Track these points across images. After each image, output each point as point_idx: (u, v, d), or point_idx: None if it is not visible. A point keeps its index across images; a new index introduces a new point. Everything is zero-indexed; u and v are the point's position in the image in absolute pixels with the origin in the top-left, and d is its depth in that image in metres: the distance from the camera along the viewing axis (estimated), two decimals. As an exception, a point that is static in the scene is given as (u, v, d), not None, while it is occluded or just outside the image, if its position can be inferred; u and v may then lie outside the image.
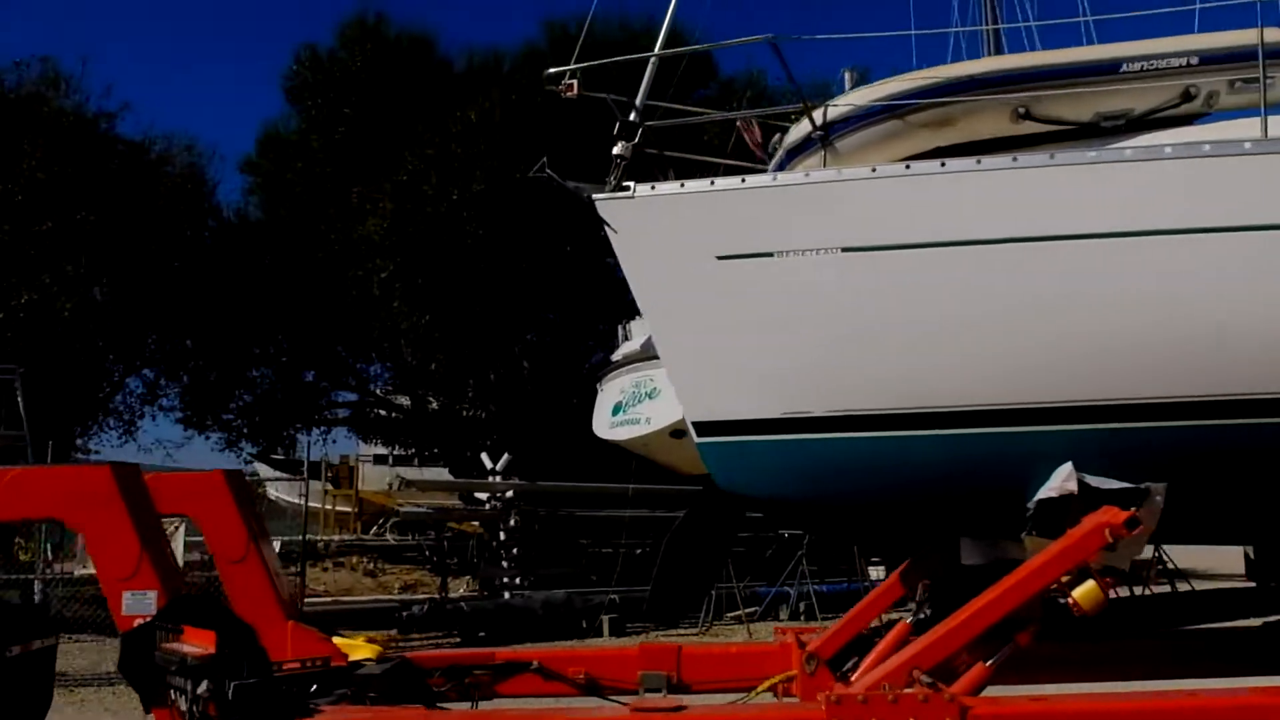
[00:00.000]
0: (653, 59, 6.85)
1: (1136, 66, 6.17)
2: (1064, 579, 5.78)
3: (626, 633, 19.37)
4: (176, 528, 13.81)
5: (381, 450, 35.11)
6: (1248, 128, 5.89)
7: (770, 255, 6.27)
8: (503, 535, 21.96)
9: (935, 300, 6.03)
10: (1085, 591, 5.70)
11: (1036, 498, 5.96)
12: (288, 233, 28.05)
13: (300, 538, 20.69)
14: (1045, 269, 5.86)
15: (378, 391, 33.65)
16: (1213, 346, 5.68)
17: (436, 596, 20.22)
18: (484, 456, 23.43)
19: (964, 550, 6.81)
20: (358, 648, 7.32)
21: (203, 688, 5.36)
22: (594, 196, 6.61)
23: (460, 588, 22.61)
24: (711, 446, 6.53)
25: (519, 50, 29.83)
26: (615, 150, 6.68)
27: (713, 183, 6.44)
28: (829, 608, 19.44)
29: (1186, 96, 6.29)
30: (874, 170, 6.10)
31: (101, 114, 26.68)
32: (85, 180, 24.32)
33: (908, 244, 6.02)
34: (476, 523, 24.09)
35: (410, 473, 29.14)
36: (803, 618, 19.98)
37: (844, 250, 6.13)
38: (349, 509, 32.23)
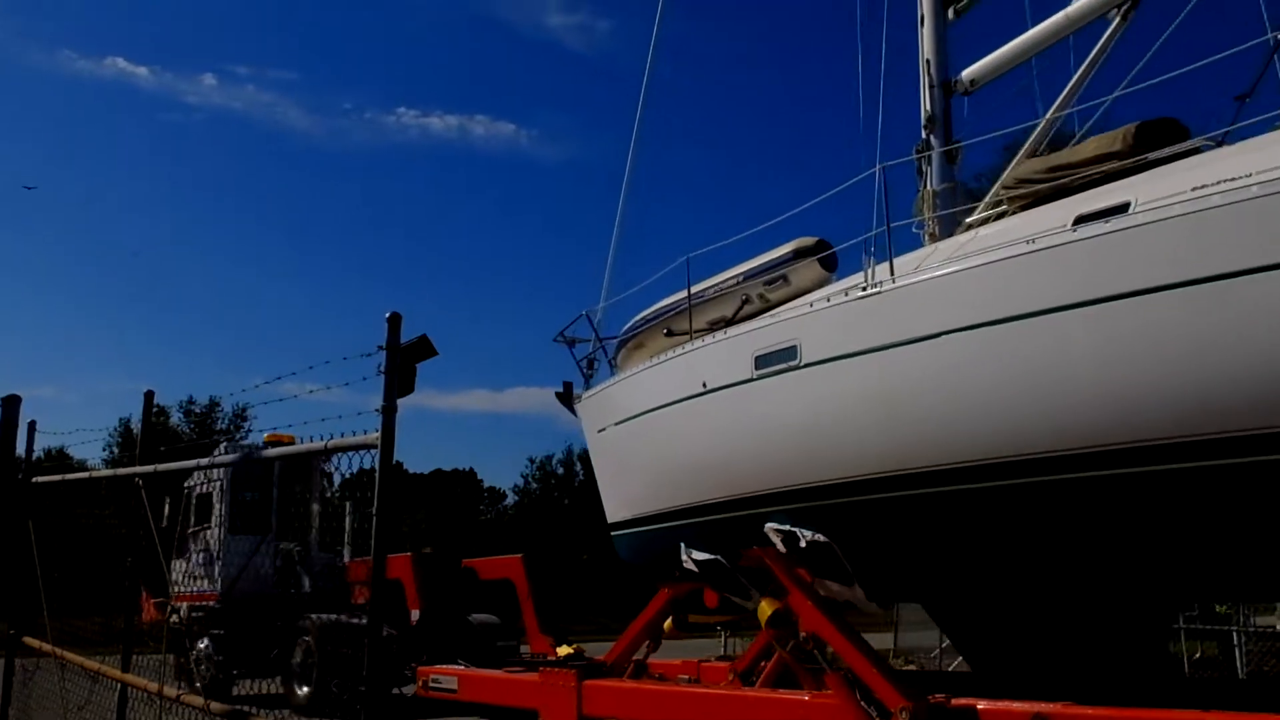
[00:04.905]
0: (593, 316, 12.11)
1: (711, 292, 9.64)
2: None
3: None
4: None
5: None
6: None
7: (603, 430, 11.19)
8: None
9: (646, 447, 10.33)
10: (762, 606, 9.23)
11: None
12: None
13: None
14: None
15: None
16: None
17: None
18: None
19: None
20: (565, 650, 13.52)
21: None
22: (576, 405, 12.18)
23: None
24: (613, 538, 11.48)
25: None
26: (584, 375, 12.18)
27: (586, 394, 11.57)
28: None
29: (746, 301, 9.50)
30: (618, 378, 10.70)
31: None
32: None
33: (628, 417, 10.46)
34: None
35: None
36: None
37: (615, 424, 10.81)
38: None
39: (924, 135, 9.06)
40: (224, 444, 17.83)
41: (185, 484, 16.31)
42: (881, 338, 6.87)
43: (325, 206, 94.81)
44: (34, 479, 7.68)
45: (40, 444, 7.93)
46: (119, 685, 6.90)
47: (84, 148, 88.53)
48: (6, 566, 7.53)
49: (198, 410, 51.16)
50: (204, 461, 7.36)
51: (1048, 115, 8.13)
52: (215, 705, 5.57)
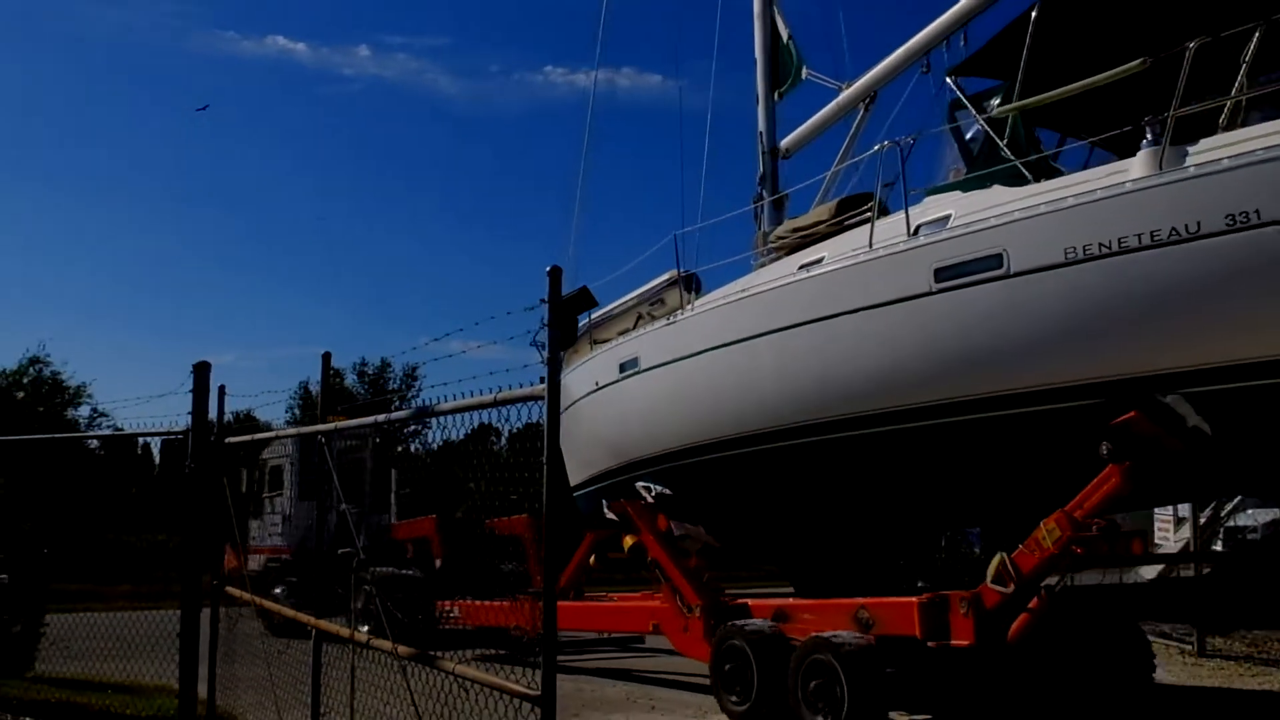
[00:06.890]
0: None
1: (618, 310, 12.67)
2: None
3: None
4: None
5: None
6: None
7: (568, 408, 14.40)
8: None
9: (579, 429, 13.49)
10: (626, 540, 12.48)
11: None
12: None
13: None
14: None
15: None
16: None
17: None
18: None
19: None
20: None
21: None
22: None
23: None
24: (574, 498, 14.71)
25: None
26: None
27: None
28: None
29: (639, 318, 12.51)
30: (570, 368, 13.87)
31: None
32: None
33: (569, 405, 13.63)
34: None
35: None
36: None
37: (564, 410, 13.98)
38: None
39: (758, 189, 11.98)
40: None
41: (260, 457, 20.18)
42: (675, 353, 9.96)
43: (477, 168, 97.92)
44: (226, 439, 8.10)
45: (229, 407, 8.19)
46: (313, 631, 7.20)
47: (250, 124, 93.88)
48: (207, 524, 7.89)
49: (370, 372, 49.67)
50: (380, 418, 7.99)
51: (827, 174, 11.03)
52: (402, 649, 5.72)
